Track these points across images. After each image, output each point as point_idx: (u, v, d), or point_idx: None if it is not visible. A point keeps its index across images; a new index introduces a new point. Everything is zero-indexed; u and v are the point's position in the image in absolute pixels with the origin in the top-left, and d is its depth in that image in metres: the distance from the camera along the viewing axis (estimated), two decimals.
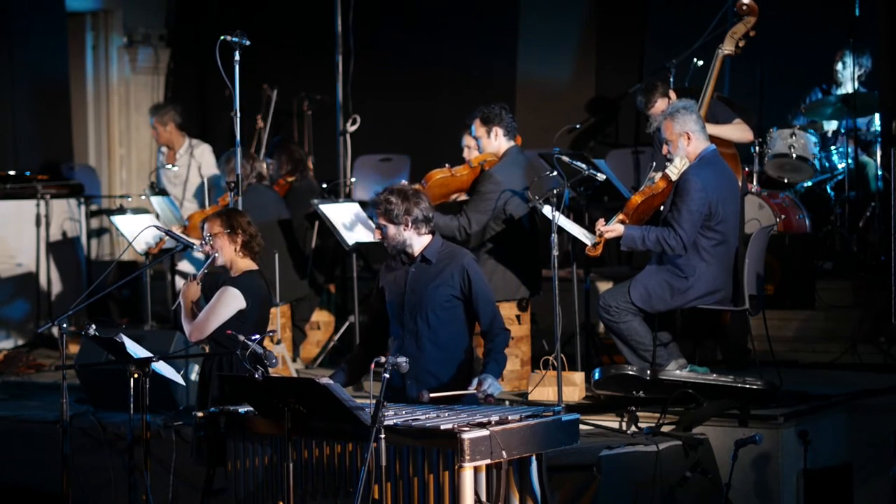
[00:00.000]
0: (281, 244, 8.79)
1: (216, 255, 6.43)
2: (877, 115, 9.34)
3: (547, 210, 7.07)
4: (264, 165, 9.14)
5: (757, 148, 9.34)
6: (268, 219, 8.64)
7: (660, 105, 7.97)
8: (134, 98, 13.17)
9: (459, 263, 6.08)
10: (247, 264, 6.47)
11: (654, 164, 7.64)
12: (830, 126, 9.70)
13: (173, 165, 10.09)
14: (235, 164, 7.69)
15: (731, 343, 8.02)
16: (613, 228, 6.98)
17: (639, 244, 6.99)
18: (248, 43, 7.34)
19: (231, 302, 6.33)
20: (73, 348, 8.81)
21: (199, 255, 8.45)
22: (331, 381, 5.13)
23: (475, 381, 5.88)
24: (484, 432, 5.02)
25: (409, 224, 6.08)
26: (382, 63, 11.71)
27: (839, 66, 9.62)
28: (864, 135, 9.53)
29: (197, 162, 10.16)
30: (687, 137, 7.04)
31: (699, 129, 7.08)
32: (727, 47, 7.89)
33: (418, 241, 6.11)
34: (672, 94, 8.02)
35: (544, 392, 7.28)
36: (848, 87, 9.53)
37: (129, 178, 13.21)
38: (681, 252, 6.95)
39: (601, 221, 7.05)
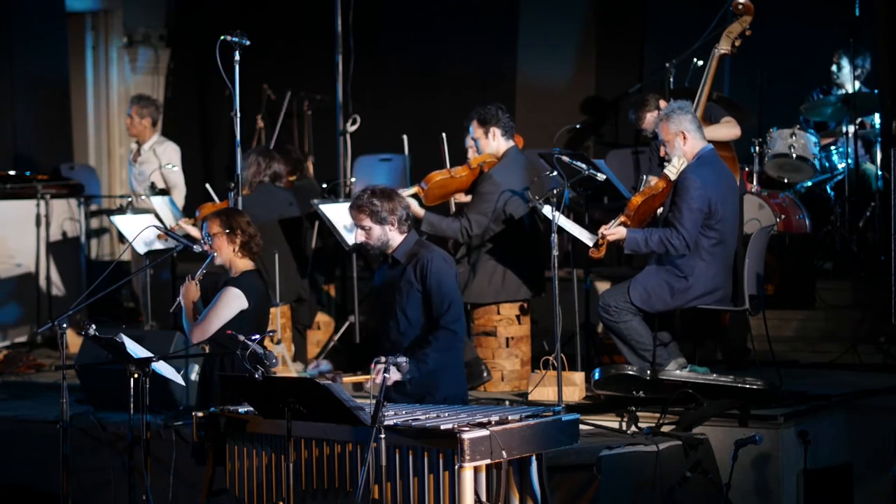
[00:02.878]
0: (283, 244, 8.77)
1: (214, 254, 6.43)
2: (876, 115, 9.35)
3: (547, 210, 7.07)
4: (282, 166, 9.00)
5: (757, 148, 9.35)
6: (272, 218, 8.63)
7: (649, 119, 8.03)
8: None
9: (421, 261, 6.08)
10: (245, 264, 6.48)
11: (645, 176, 7.67)
12: (839, 127, 9.71)
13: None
14: (236, 164, 7.69)
15: (731, 343, 8.02)
16: (615, 231, 6.98)
17: (642, 247, 6.99)
18: (248, 43, 7.33)
19: (233, 302, 6.34)
20: (74, 348, 8.81)
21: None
22: (331, 382, 5.14)
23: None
24: (484, 432, 5.02)
25: (395, 223, 6.11)
26: (382, 63, 11.72)
27: (834, 67, 9.64)
28: (869, 134, 9.53)
29: (158, 159, 10.14)
30: (682, 137, 7.05)
31: (695, 128, 7.09)
32: (723, 47, 7.90)
33: (397, 241, 6.14)
34: (663, 105, 8.05)
35: (544, 392, 7.28)
36: (847, 88, 9.54)
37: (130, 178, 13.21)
38: (684, 251, 6.96)
39: (605, 227, 7.05)
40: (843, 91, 9.57)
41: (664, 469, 6.37)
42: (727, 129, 7.83)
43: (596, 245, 7.04)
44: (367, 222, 6.12)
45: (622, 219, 7.07)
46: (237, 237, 6.44)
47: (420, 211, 7.69)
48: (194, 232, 8.46)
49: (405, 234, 6.16)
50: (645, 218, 7.22)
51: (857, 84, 9.44)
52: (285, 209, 8.84)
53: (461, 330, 6.06)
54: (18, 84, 11.79)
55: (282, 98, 11.07)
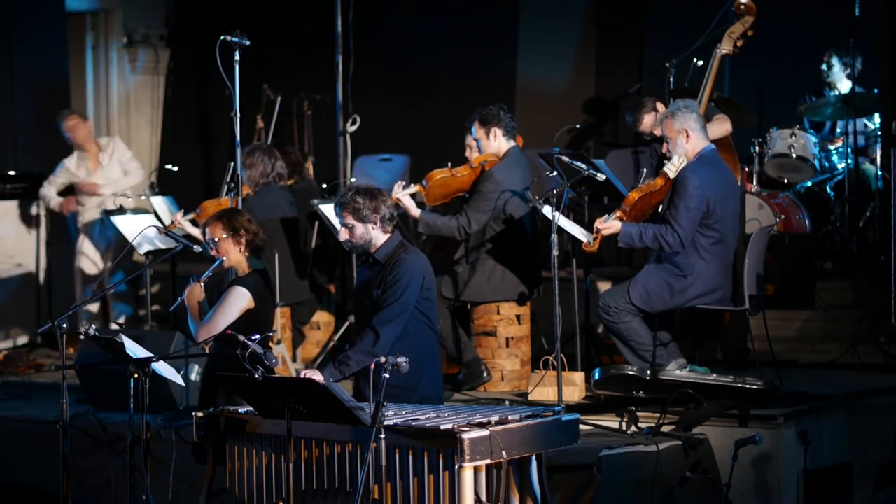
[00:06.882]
0: (283, 245, 8.77)
1: (223, 258, 6.44)
2: (876, 115, 9.35)
3: (547, 210, 7.08)
4: (284, 165, 8.98)
5: (757, 148, 9.35)
6: (274, 218, 8.62)
7: (647, 121, 8.04)
8: (134, 98, 13.17)
9: (396, 260, 6.07)
10: (253, 264, 6.50)
11: (645, 170, 7.68)
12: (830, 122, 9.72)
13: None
14: (235, 164, 7.69)
15: (731, 343, 8.02)
16: (610, 225, 6.99)
17: (636, 241, 6.99)
18: (247, 43, 7.34)
19: (239, 301, 6.35)
20: (73, 348, 8.81)
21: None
22: (331, 382, 5.14)
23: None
24: (484, 432, 5.02)
25: (378, 222, 6.11)
26: (382, 63, 11.72)
27: (824, 66, 9.65)
28: (864, 133, 9.53)
29: (112, 156, 10.20)
30: (686, 135, 7.06)
31: (699, 127, 7.10)
32: (725, 47, 7.90)
33: (380, 241, 6.13)
34: (660, 107, 8.07)
35: (544, 392, 7.28)
36: (839, 88, 9.55)
37: None
38: (678, 249, 6.96)
39: (600, 220, 7.06)
40: (836, 91, 9.58)
41: (664, 469, 6.37)
42: (718, 126, 7.84)
43: (590, 240, 7.05)
44: (350, 220, 6.13)
45: (618, 213, 7.08)
46: (242, 237, 6.46)
47: (416, 211, 7.69)
48: (191, 229, 8.45)
49: (388, 235, 6.15)
50: (641, 214, 7.22)
51: (850, 84, 9.44)
52: (286, 209, 8.84)
53: (386, 335, 5.95)
54: (18, 84, 11.78)
55: (281, 98, 11.06)
